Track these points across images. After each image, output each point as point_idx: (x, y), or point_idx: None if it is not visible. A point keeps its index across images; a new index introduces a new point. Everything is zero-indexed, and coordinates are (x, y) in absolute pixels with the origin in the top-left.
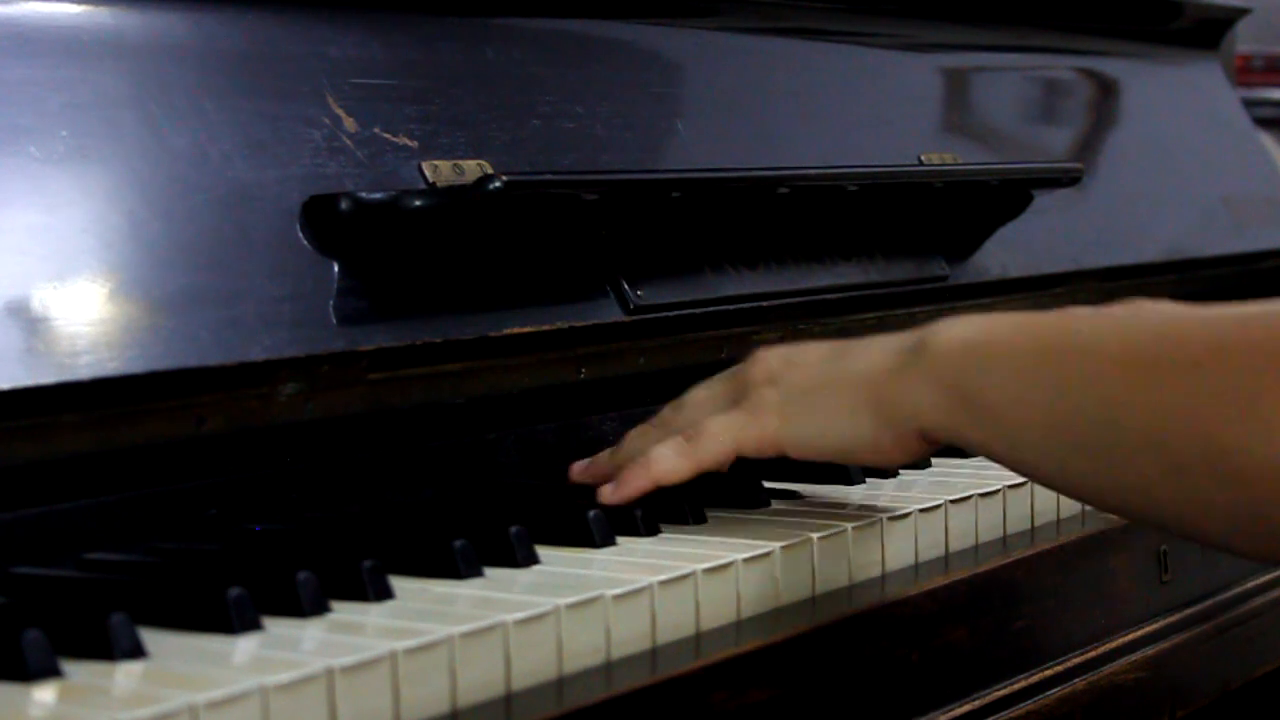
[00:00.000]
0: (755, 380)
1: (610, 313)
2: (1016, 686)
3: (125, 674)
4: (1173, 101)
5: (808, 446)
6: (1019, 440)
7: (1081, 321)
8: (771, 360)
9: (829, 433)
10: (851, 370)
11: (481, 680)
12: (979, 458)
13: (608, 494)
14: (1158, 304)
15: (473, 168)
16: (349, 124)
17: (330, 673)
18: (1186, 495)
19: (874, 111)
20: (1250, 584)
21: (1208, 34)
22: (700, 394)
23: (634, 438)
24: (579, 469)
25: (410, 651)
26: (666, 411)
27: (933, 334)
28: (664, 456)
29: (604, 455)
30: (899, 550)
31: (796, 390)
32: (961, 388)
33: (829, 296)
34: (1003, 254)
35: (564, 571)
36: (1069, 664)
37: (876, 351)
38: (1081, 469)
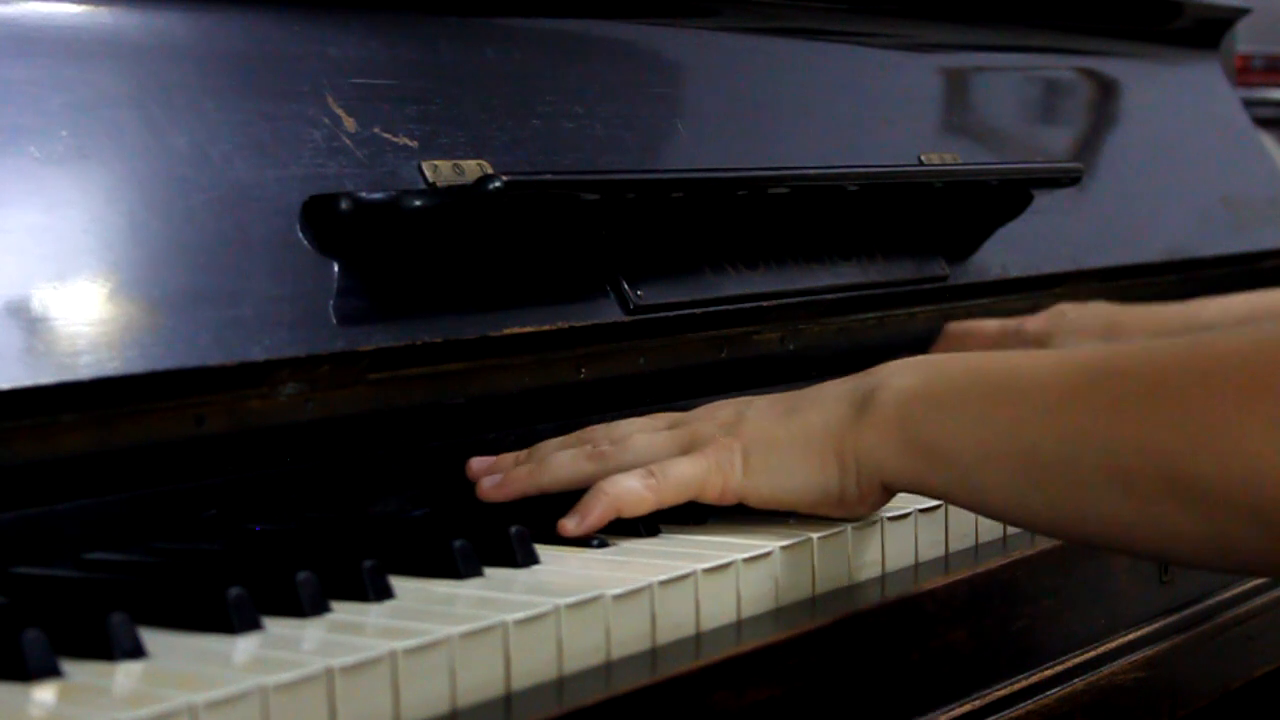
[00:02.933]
0: (708, 432)
1: (610, 313)
2: (1016, 686)
3: (125, 674)
4: (1173, 101)
5: (772, 499)
6: (980, 484)
7: (1024, 360)
8: (722, 413)
9: (794, 487)
10: (809, 424)
11: (481, 680)
12: None
13: (571, 527)
14: (1093, 343)
15: (473, 168)
16: (349, 124)
17: (330, 673)
18: (1151, 523)
19: (874, 111)
20: (1250, 584)
21: (1208, 34)
22: (644, 437)
23: (563, 460)
24: (480, 468)
25: (410, 651)
26: (602, 441)
27: (881, 385)
28: (631, 489)
29: (509, 460)
30: (899, 550)
31: (757, 444)
32: (916, 439)
33: (829, 296)
34: (1003, 254)
35: (564, 571)
36: (1069, 664)
37: (830, 403)
38: (1044, 505)
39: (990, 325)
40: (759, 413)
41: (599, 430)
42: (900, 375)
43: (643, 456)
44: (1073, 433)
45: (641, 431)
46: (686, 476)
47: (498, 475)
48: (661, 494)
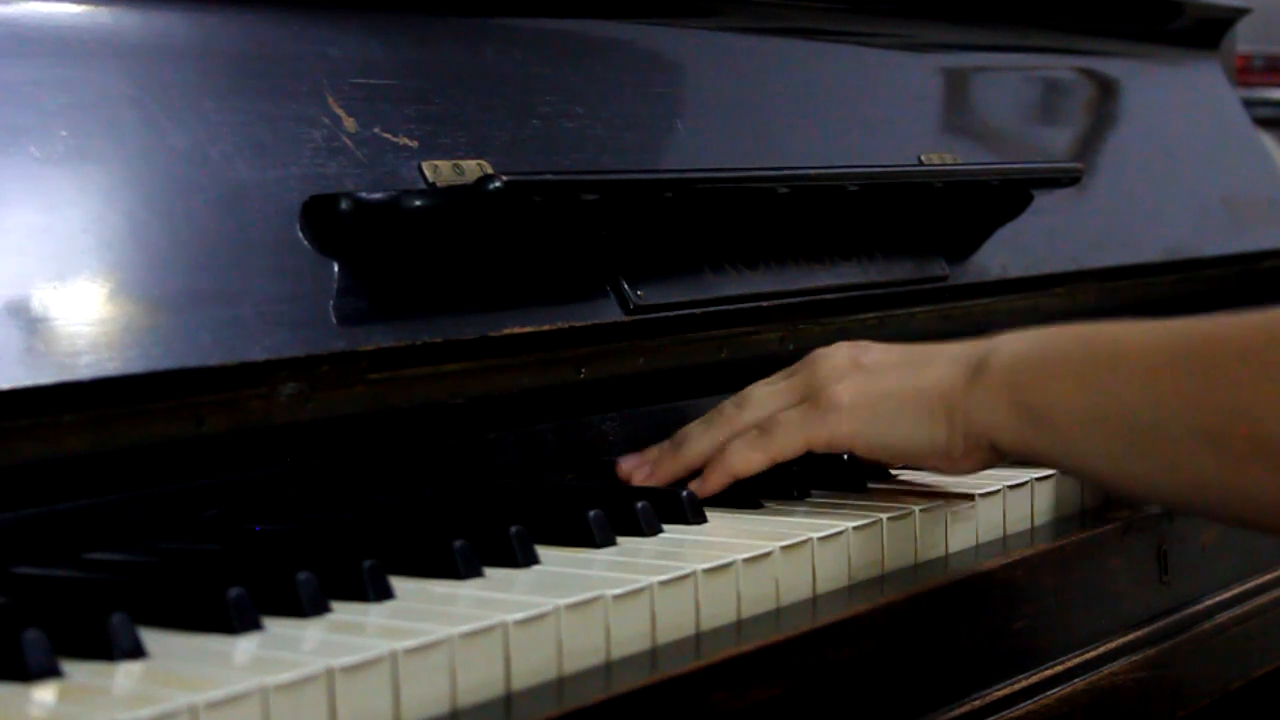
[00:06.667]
0: (824, 380)
1: (610, 313)
2: (1016, 686)
3: (125, 674)
4: (1173, 101)
5: (881, 448)
6: (1082, 449)
7: (1128, 330)
8: (839, 360)
9: (903, 438)
10: (922, 381)
11: (481, 680)
12: None
13: (694, 487)
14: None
15: (473, 168)
16: (349, 124)
17: (330, 673)
18: (1239, 485)
19: (874, 111)
20: (1250, 584)
21: (1208, 34)
22: (763, 390)
23: (697, 434)
24: (630, 464)
25: (410, 651)
26: (729, 408)
27: (995, 350)
28: (739, 452)
29: (655, 451)
30: (899, 551)
31: (870, 394)
32: (1025, 404)
33: (829, 296)
34: (1003, 254)
35: (564, 571)
36: (1069, 664)
37: (945, 363)
38: (1140, 470)
39: None
40: (875, 362)
41: (729, 401)
42: (1013, 342)
43: (759, 412)
44: (1166, 397)
45: (761, 385)
46: (795, 429)
47: (647, 467)
48: (771, 451)
